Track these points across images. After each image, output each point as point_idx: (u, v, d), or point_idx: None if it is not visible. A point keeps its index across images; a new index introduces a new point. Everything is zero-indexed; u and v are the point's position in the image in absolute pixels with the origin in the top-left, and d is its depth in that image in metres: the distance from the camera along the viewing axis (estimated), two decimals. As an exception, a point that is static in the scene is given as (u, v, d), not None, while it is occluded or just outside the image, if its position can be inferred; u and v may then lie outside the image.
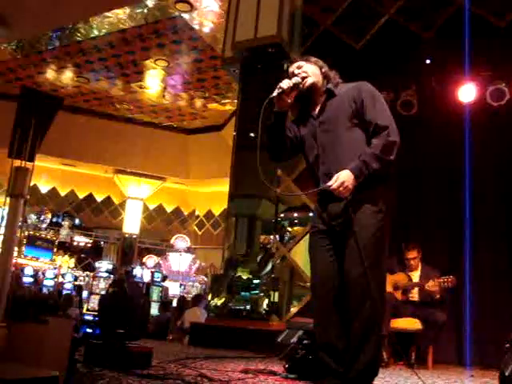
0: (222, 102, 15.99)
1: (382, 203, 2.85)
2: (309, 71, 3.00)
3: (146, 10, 11.52)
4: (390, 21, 8.67)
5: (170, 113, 17.43)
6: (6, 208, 7.20)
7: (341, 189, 2.66)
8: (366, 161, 2.71)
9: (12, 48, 14.16)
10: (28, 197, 7.42)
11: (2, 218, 14.37)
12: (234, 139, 9.47)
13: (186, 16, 11.66)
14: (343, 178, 2.66)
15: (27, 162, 6.90)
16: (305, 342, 3.99)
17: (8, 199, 7.33)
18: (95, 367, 3.69)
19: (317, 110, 3.03)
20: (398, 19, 8.66)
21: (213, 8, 11.23)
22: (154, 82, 15.41)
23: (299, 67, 3.03)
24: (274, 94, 2.87)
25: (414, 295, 6.46)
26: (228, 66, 9.72)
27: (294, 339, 4.46)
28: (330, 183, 2.70)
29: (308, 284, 8.95)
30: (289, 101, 2.93)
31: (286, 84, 2.89)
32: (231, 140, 10.13)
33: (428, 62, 8.15)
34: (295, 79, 2.94)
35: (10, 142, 6.88)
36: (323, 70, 3.05)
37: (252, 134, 8.64)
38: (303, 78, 2.96)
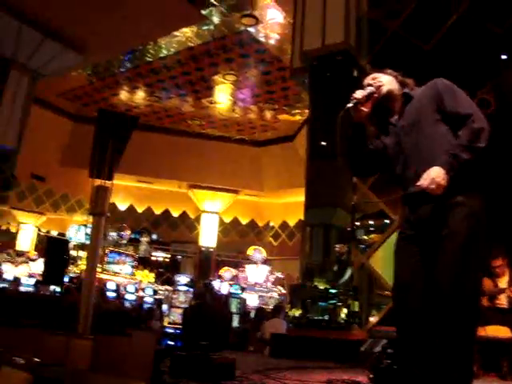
0: (292, 112, 16.00)
1: (478, 206, 2.68)
2: (383, 80, 2.95)
3: (212, 27, 11.73)
4: (460, 19, 8.42)
5: (241, 126, 17.61)
6: (89, 226, 7.51)
7: (432, 186, 2.52)
8: (455, 153, 2.56)
9: (87, 73, 14.79)
10: (108, 214, 7.71)
11: (86, 235, 14.93)
12: (306, 149, 9.43)
13: (251, 30, 11.78)
14: (433, 175, 2.52)
15: (106, 181, 7.18)
16: (389, 351, 3.89)
17: (91, 217, 7.65)
18: (181, 378, 3.74)
19: (396, 116, 2.97)
20: (469, 16, 8.40)
21: (278, 20, 11.29)
22: (224, 96, 15.64)
23: (374, 78, 2.99)
24: (350, 105, 2.83)
25: (502, 302, 6.17)
26: (297, 76, 9.74)
27: (378, 348, 4.36)
28: (419, 182, 2.56)
29: (387, 292, 8.77)
30: (366, 110, 2.88)
31: (359, 94, 2.85)
32: (303, 150, 10.10)
33: (504, 57, 7.85)
34: (369, 89, 2.90)
35: (90, 162, 7.18)
36: (399, 78, 3.00)
37: (324, 143, 8.59)
38: (378, 87, 2.91)
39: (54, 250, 9.00)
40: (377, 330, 6.08)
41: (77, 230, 17.98)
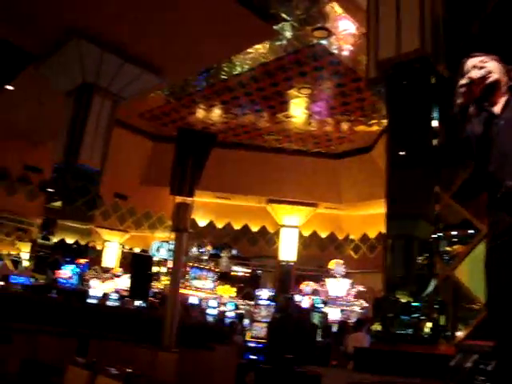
0: (369, 123, 15.79)
1: None
2: (491, 67, 2.79)
3: (285, 42, 11.79)
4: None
5: (318, 139, 17.56)
6: (172, 242, 7.72)
7: None
8: None
9: (165, 93, 15.24)
10: (191, 230, 7.91)
11: (169, 251, 15.29)
12: (385, 159, 9.25)
13: (324, 42, 11.76)
14: None
15: (187, 198, 7.38)
16: (482, 366, 3.72)
17: (173, 234, 7.87)
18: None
19: (498, 107, 2.76)
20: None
21: (350, 31, 11.21)
22: (299, 110, 15.66)
23: (482, 61, 2.82)
24: (463, 81, 2.70)
25: None
26: (373, 87, 9.60)
27: (469, 364, 4.18)
28: None
29: (475, 306, 8.42)
30: (476, 92, 2.73)
31: (476, 74, 2.72)
32: (381, 161, 9.93)
33: None
34: (484, 70, 2.75)
35: (171, 180, 7.41)
36: (508, 68, 2.81)
37: (403, 153, 8.40)
38: (487, 73, 2.76)
39: (138, 266, 9.28)
40: (467, 344, 5.84)
41: (159, 247, 18.50)
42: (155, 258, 17.70)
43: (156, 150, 18.16)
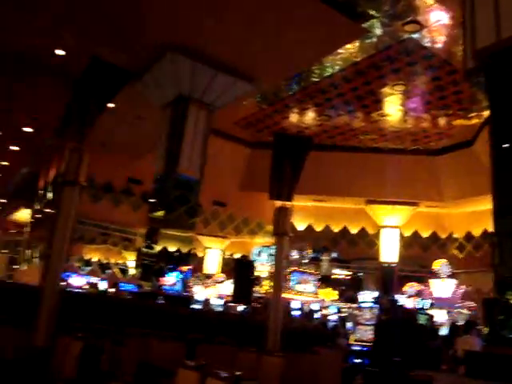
0: (468, 116, 15.15)
1: None
2: None
3: (375, 39, 11.57)
4: None
5: (415, 136, 17.07)
6: (272, 247, 7.79)
7: None
8: None
9: (257, 100, 15.41)
10: (291, 234, 7.94)
11: (270, 255, 15.44)
12: (490, 153, 8.80)
13: (416, 36, 11.42)
14: None
15: (287, 202, 7.42)
16: None
17: (272, 238, 7.93)
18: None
19: None
20: None
21: (443, 21, 10.80)
22: (394, 107, 15.29)
23: None
24: None
25: None
26: (471, 78, 9.21)
27: None
28: None
29: None
30: None
31: None
32: (484, 155, 9.48)
33: None
34: None
35: (270, 185, 7.48)
36: None
37: (508, 145, 7.98)
38: None
39: (241, 271, 9.43)
40: None
41: (260, 251, 18.72)
42: (256, 263, 17.92)
43: (253, 156, 18.40)
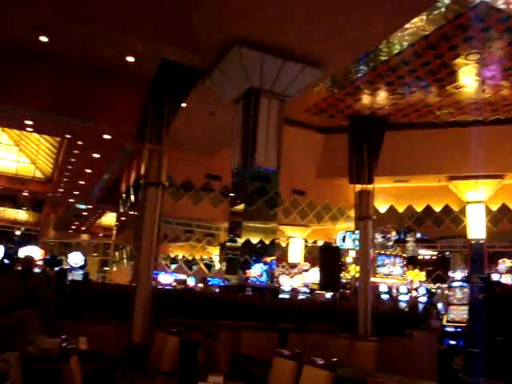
0: (552, 78, 14.36)
1: None
2: None
3: (443, 9, 11.15)
4: None
5: (495, 105, 16.35)
6: (357, 232, 7.73)
7: None
8: None
9: (327, 85, 15.24)
10: (374, 217, 7.83)
11: (354, 240, 15.30)
12: None
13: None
14: None
15: (368, 186, 7.32)
16: None
17: (353, 223, 7.85)
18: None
19: None
20: None
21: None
22: (470, 78, 14.71)
23: None
24: None
25: None
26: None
27: None
28: None
29: None
30: None
31: None
32: None
33: None
34: None
35: (349, 169, 7.39)
36: None
37: None
38: None
39: (327, 258, 9.38)
40: None
41: (344, 237, 18.60)
42: (342, 249, 17.85)
43: (327, 142, 18.30)
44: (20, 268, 7.38)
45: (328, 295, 15.23)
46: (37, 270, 8.29)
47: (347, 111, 16.96)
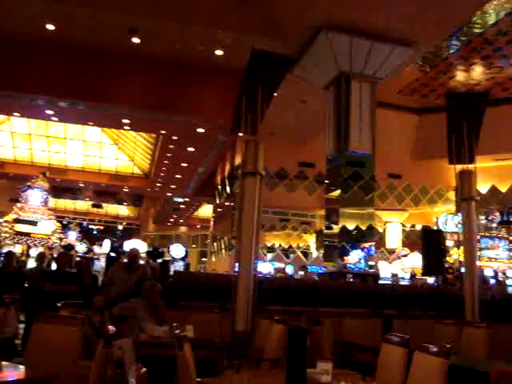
0: None
1: None
2: None
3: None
4: None
5: None
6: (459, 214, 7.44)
7: None
8: None
9: (418, 64, 14.74)
10: (478, 198, 7.49)
11: (458, 223, 14.79)
12: None
13: None
14: None
15: (469, 165, 7.01)
16: None
17: (453, 205, 7.57)
18: None
19: None
20: None
21: None
22: None
23: None
24: None
25: None
26: None
27: None
28: None
29: None
30: None
31: None
32: None
33: None
34: None
35: (448, 149, 7.10)
36: None
37: None
38: None
39: (429, 242, 9.11)
40: None
41: (446, 219, 18.01)
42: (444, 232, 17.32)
43: (422, 122, 17.74)
44: (126, 260, 7.72)
45: (430, 280, 14.82)
46: (141, 262, 8.62)
47: (441, 90, 16.32)
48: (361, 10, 9.89)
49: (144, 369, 2.55)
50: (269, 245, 22.40)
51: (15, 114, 18.48)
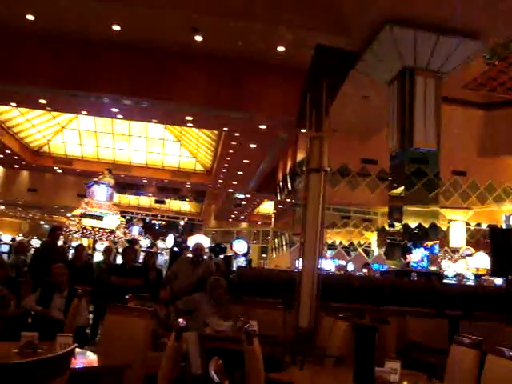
0: None
1: None
2: None
3: None
4: None
5: None
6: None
7: None
8: None
9: (487, 57, 14.26)
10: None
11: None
12: None
13: None
14: None
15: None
16: None
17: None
18: None
19: None
20: None
21: None
22: None
23: None
24: None
25: None
26: None
27: None
28: None
29: None
30: None
31: None
32: None
33: None
34: None
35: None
36: None
37: None
38: None
39: (498, 241, 8.81)
40: None
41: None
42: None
43: (488, 118, 17.18)
44: (191, 255, 7.85)
45: (498, 281, 14.35)
46: (205, 257, 8.76)
47: (510, 83, 15.76)
48: (425, 2, 9.66)
49: (220, 361, 2.60)
50: (330, 242, 22.25)
51: (83, 112, 19.10)
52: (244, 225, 38.60)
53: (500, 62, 14.67)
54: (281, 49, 12.55)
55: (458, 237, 22.01)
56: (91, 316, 8.00)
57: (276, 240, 25.40)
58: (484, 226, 22.13)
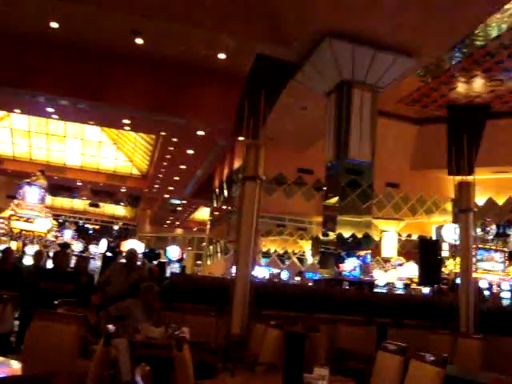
0: None
1: None
2: None
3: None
4: None
5: None
6: (454, 225, 7.46)
7: None
8: None
9: (420, 75, 14.79)
10: (475, 209, 7.51)
11: (454, 234, 14.84)
12: None
13: None
14: None
15: (468, 177, 7.07)
16: None
17: (449, 216, 7.59)
18: None
19: None
20: None
21: None
22: None
23: None
24: None
25: None
26: None
27: None
28: None
29: None
30: None
31: None
32: None
33: None
34: None
35: (448, 160, 7.15)
36: None
37: None
38: None
39: (426, 252, 9.12)
40: None
41: (442, 230, 18.03)
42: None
43: (421, 133, 17.80)
44: (124, 261, 7.71)
45: (425, 290, 14.84)
46: (138, 262, 8.62)
47: (441, 101, 16.40)
48: (364, 18, 9.93)
49: (148, 367, 2.56)
50: (264, 250, 22.38)
51: (16, 110, 18.48)
52: (179, 231, 38.31)
53: (433, 80, 15.24)
54: (222, 56, 12.57)
55: (389, 247, 22.62)
56: (17, 322, 7.70)
57: (211, 247, 25.33)
58: (415, 237, 22.80)
